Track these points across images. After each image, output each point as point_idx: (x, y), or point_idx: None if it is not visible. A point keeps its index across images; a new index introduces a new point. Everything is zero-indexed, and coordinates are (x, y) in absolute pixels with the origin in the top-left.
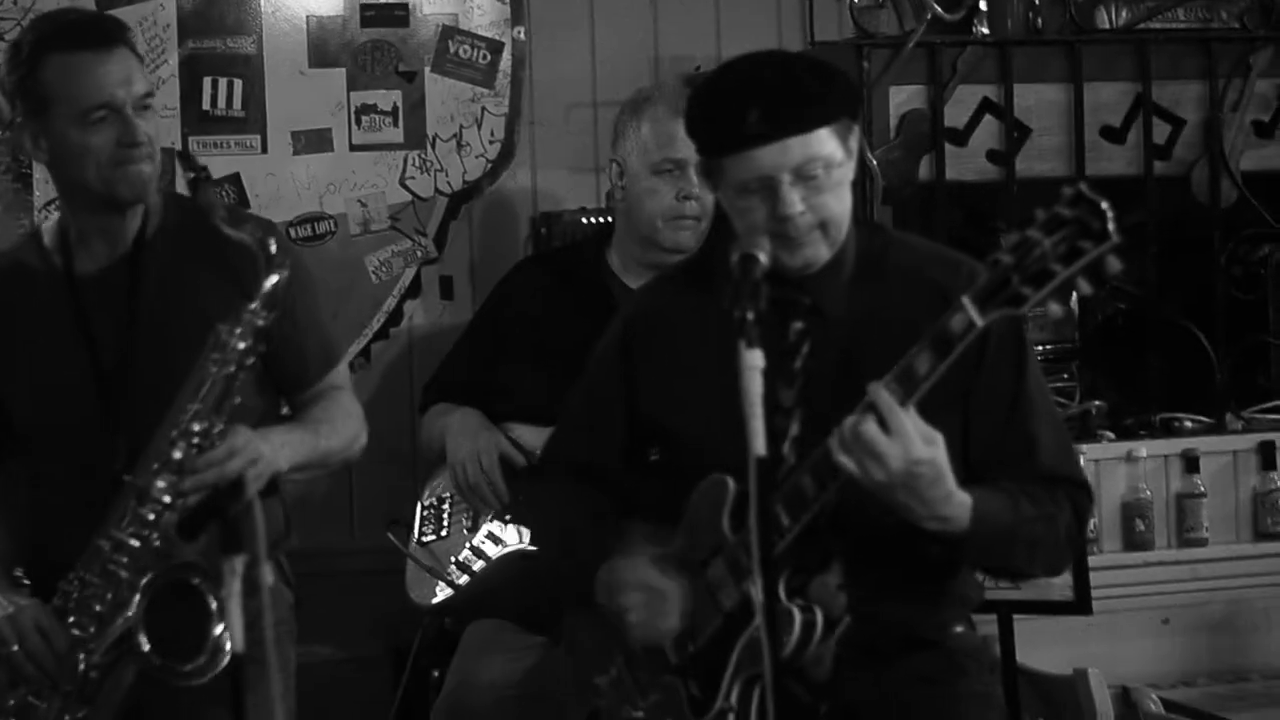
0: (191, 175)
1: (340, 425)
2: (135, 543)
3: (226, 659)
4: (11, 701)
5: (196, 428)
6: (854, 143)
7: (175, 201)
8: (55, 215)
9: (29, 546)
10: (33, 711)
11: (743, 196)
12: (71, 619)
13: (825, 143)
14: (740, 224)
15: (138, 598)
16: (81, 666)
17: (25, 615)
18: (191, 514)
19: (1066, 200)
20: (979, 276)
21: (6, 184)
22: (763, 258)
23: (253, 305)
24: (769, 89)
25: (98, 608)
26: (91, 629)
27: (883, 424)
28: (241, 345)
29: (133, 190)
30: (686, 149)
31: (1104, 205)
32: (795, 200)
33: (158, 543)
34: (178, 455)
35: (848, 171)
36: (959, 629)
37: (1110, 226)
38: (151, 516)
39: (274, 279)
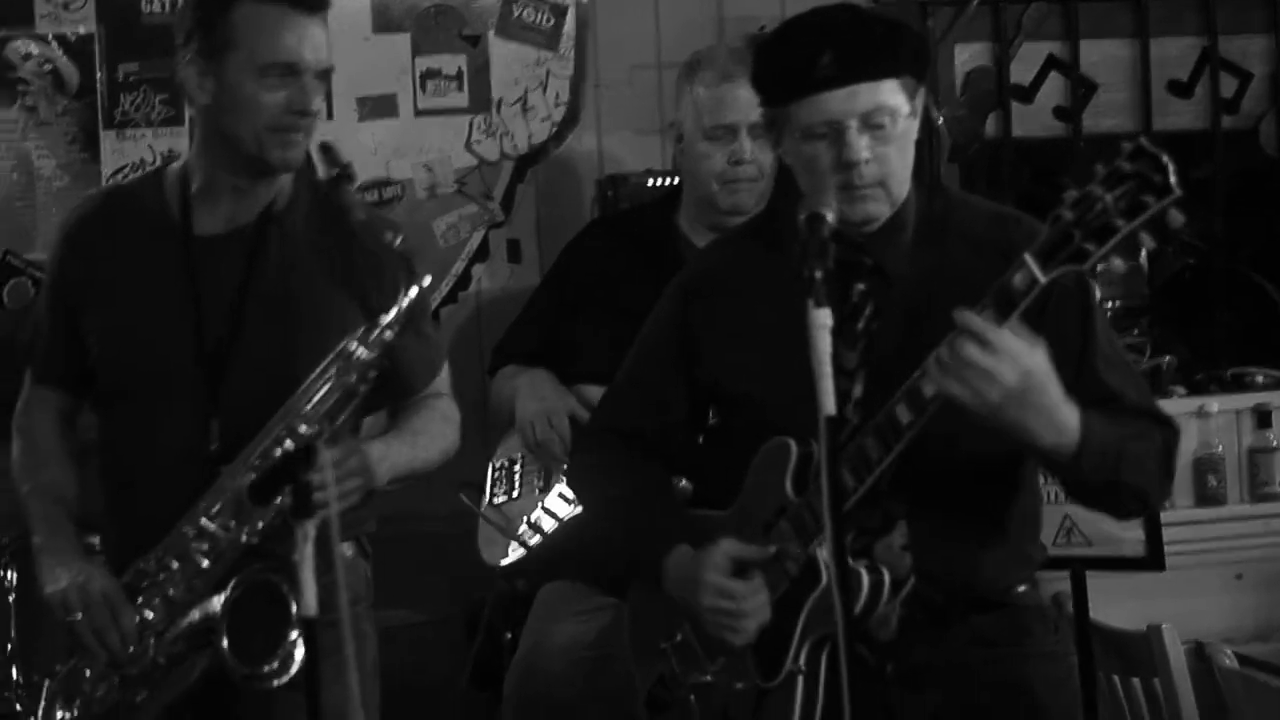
0: (334, 171)
1: (437, 435)
2: (222, 534)
3: (296, 667)
4: (58, 667)
5: (304, 430)
6: (919, 102)
7: (307, 183)
8: (178, 162)
9: (106, 516)
10: (79, 681)
11: (809, 143)
12: (141, 599)
13: (893, 94)
14: (804, 175)
15: (225, 594)
16: (150, 651)
17: (94, 585)
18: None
19: (1127, 154)
20: (1037, 232)
21: (74, 154)
22: (829, 216)
23: (386, 319)
24: (842, 35)
25: (171, 592)
26: (162, 613)
27: (982, 345)
28: (368, 357)
29: (285, 159)
30: (736, 113)
31: (1165, 159)
32: (861, 147)
33: (246, 539)
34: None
35: (912, 128)
36: (1022, 589)
37: (1172, 180)
38: (246, 510)
39: (412, 295)
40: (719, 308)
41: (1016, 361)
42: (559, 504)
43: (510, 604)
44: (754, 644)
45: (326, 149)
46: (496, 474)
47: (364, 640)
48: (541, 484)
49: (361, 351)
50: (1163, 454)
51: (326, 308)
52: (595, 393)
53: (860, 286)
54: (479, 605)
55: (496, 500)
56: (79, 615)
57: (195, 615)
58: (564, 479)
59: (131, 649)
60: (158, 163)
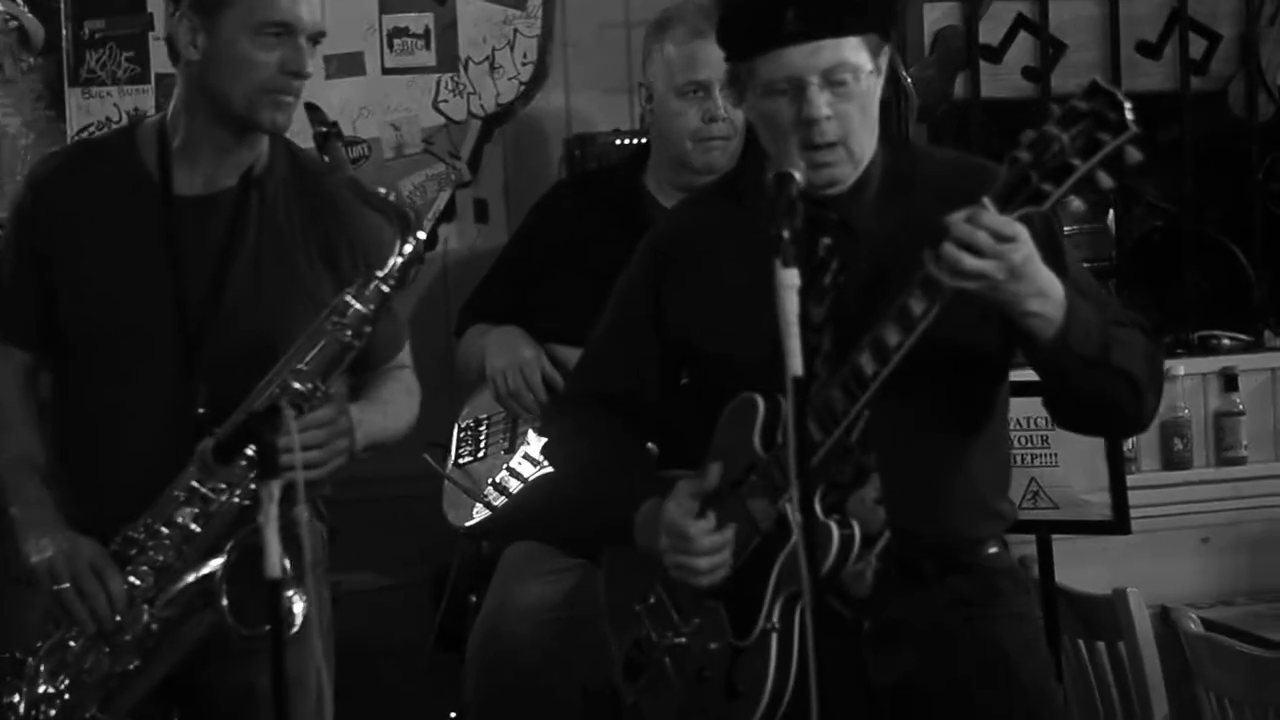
0: (323, 129)
1: (404, 406)
2: (213, 497)
3: (299, 622)
4: (39, 644)
5: (298, 386)
6: (883, 62)
7: (283, 148)
8: (152, 117)
9: (87, 487)
10: (64, 653)
11: (770, 98)
12: (129, 566)
13: (856, 51)
14: (765, 132)
15: (222, 558)
16: (144, 618)
17: (81, 554)
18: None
19: (1082, 93)
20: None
21: (40, 111)
22: (798, 176)
23: (382, 273)
24: None
25: (161, 559)
26: (151, 580)
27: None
28: (365, 310)
29: (275, 120)
30: (709, 70)
31: (1120, 96)
32: (822, 104)
33: (239, 499)
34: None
35: (875, 87)
36: (993, 549)
37: (1129, 117)
38: (237, 473)
39: (409, 248)
40: (688, 268)
41: (999, 229)
42: (524, 465)
43: (475, 566)
44: (727, 602)
45: (313, 108)
46: (462, 435)
47: (321, 604)
48: (507, 445)
49: (357, 305)
50: (1150, 352)
51: (304, 272)
52: (564, 352)
53: (826, 241)
54: (444, 568)
55: (461, 461)
56: (66, 584)
57: (190, 579)
58: (530, 439)
59: (120, 617)
60: (124, 121)
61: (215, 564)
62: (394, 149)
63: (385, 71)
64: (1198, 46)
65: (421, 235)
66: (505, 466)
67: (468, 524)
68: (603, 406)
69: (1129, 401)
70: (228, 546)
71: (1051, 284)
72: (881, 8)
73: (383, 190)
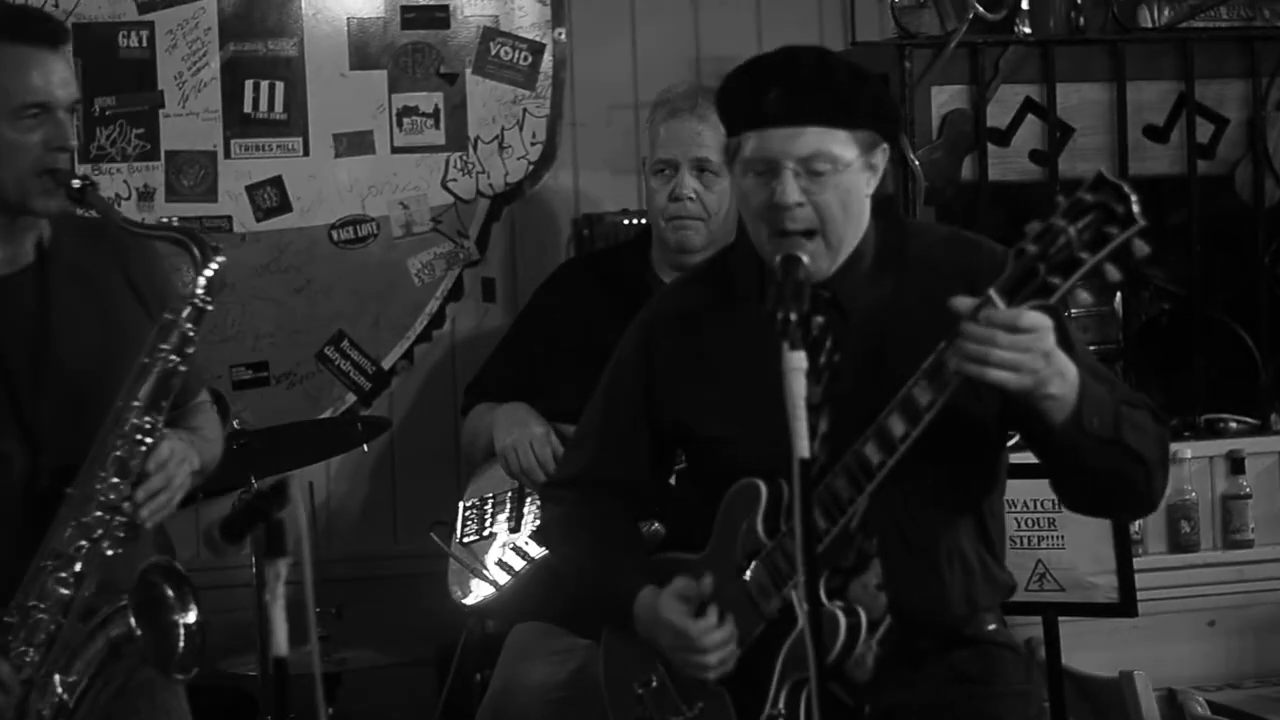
0: (74, 184)
1: (217, 440)
2: (83, 551)
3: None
4: None
5: (136, 422)
6: (878, 159)
7: (62, 214)
8: None
9: None
10: None
11: (746, 177)
12: (22, 648)
13: (842, 144)
14: (743, 209)
15: (127, 618)
16: (58, 689)
17: None
18: (235, 517)
19: (1088, 185)
20: (998, 255)
21: None
22: (805, 259)
23: (198, 290)
24: (798, 75)
25: (43, 635)
26: (41, 654)
27: (998, 329)
28: (188, 331)
29: (47, 206)
30: (678, 149)
31: (1126, 188)
32: (793, 190)
33: (109, 550)
34: (119, 454)
35: (859, 182)
36: (992, 626)
37: (1135, 210)
38: (99, 523)
39: (218, 262)
40: (679, 349)
41: (1016, 321)
42: (529, 544)
43: (482, 644)
44: (732, 688)
45: (52, 173)
46: (467, 513)
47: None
48: (512, 523)
49: (179, 324)
50: (1159, 433)
51: (123, 318)
52: (569, 431)
53: (819, 320)
54: (450, 646)
55: (467, 540)
56: None
57: (92, 648)
58: (534, 517)
59: (15, 693)
60: (133, 198)
61: (116, 625)
62: (403, 227)
63: (394, 150)
64: (1205, 130)
65: (218, 252)
66: (510, 545)
67: (473, 602)
68: (592, 491)
69: (1140, 480)
70: (121, 604)
71: (1066, 364)
72: (878, 106)
73: (165, 219)
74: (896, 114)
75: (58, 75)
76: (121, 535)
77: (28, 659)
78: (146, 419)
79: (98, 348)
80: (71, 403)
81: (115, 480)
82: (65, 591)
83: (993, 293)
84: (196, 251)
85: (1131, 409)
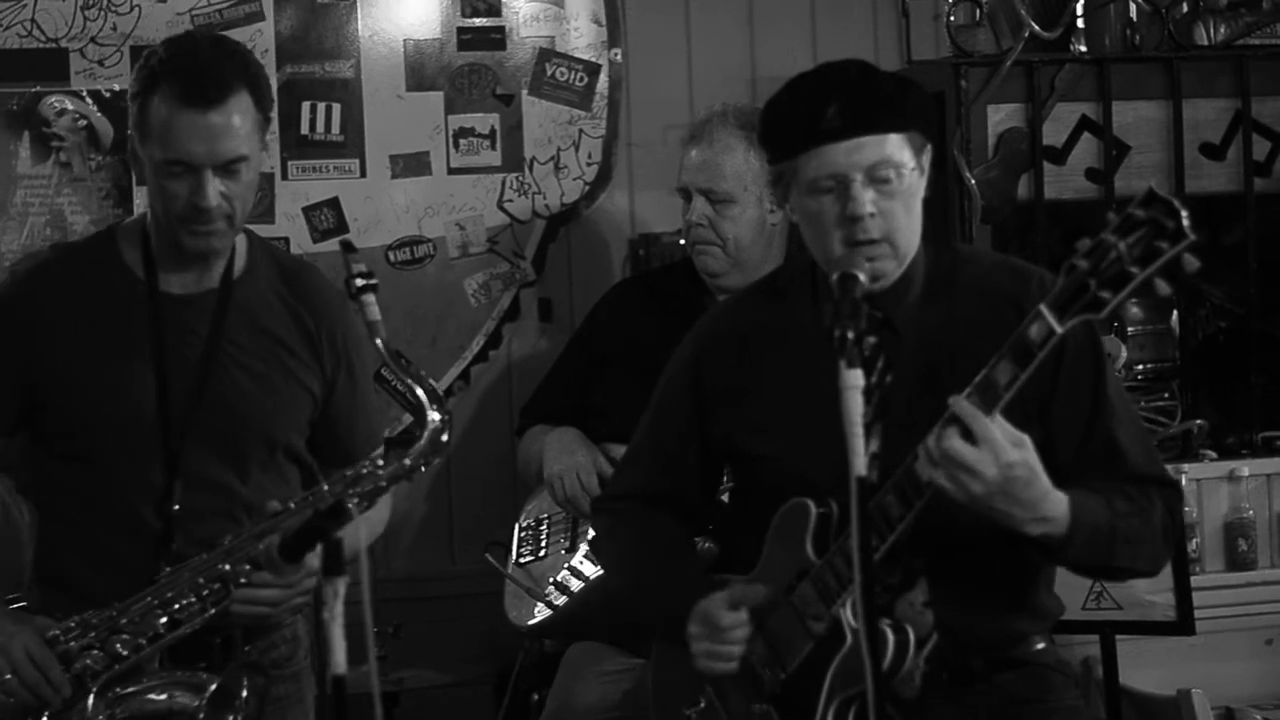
0: (360, 282)
1: (378, 521)
2: (188, 606)
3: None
4: None
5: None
6: (925, 161)
7: (263, 250)
8: (132, 218)
9: (61, 577)
10: None
11: (813, 197)
12: (90, 650)
13: (899, 149)
14: (810, 230)
15: (207, 691)
16: (90, 701)
17: (16, 644)
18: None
19: (1139, 201)
20: (1048, 284)
21: (107, 209)
22: (863, 277)
23: (409, 460)
24: (849, 88)
25: (117, 649)
26: (102, 665)
27: (968, 435)
28: (381, 486)
29: (197, 246)
30: (686, 175)
31: (1177, 204)
32: (866, 201)
33: (208, 611)
34: (262, 549)
35: (918, 185)
36: (1041, 645)
37: (1185, 225)
38: (213, 592)
39: (439, 459)
40: (730, 367)
41: (998, 455)
42: (585, 564)
43: (538, 664)
44: (780, 707)
45: (348, 246)
46: (523, 534)
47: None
48: (568, 544)
49: (379, 476)
50: (1162, 525)
51: (290, 365)
52: (621, 452)
53: (872, 340)
54: (506, 666)
55: (522, 560)
56: (8, 675)
57: (157, 696)
58: (591, 537)
59: (63, 696)
60: None
61: (188, 695)
62: (459, 248)
63: (451, 171)
64: (1261, 148)
65: (447, 428)
66: (566, 565)
67: (529, 623)
68: (644, 504)
69: (1127, 577)
70: (210, 682)
71: (1056, 507)
72: (923, 107)
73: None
74: (936, 112)
75: (206, 135)
76: (216, 604)
77: (88, 661)
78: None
79: (254, 390)
80: (216, 437)
81: (247, 566)
82: (159, 625)
83: (1044, 308)
84: (434, 420)
85: (1134, 518)
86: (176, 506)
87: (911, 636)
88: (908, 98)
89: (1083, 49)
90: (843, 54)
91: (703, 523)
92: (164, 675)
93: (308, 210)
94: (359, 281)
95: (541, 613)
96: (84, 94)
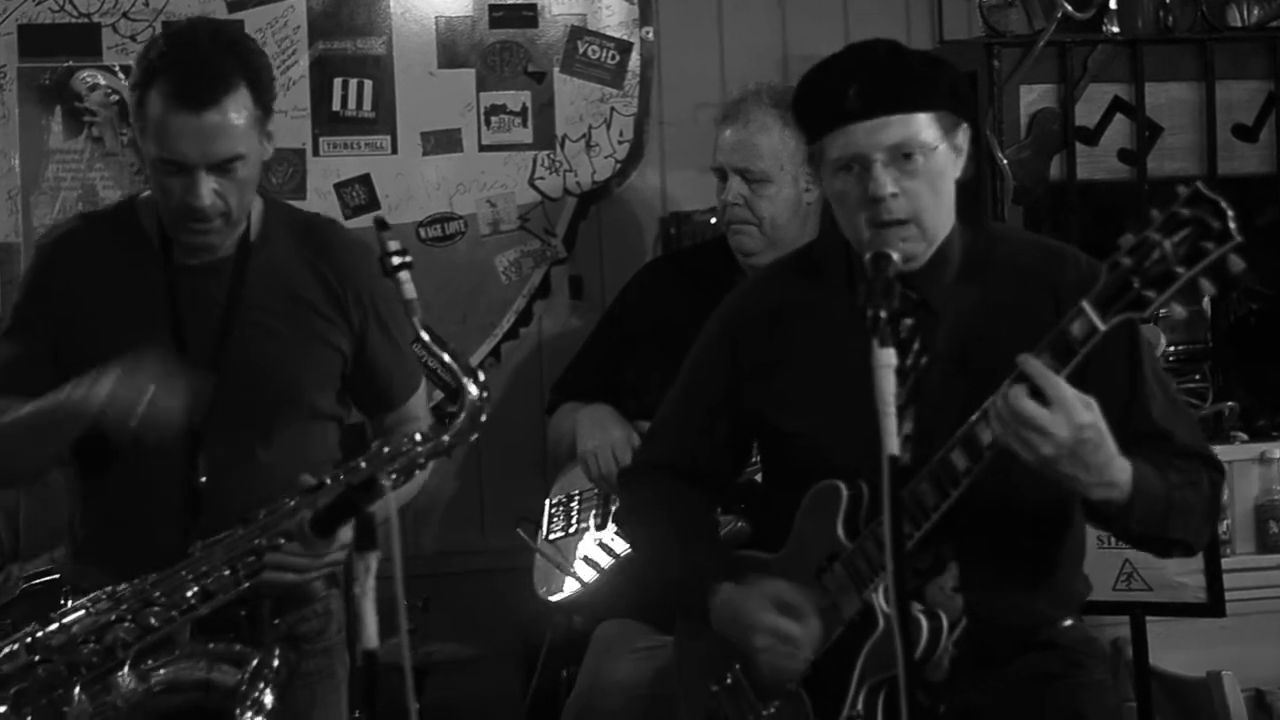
0: (396, 260)
1: (406, 489)
2: (221, 576)
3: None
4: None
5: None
6: (960, 140)
7: (281, 215)
8: (149, 191)
9: (91, 549)
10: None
11: (838, 177)
12: (128, 624)
13: (925, 128)
14: (838, 210)
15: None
16: (128, 677)
17: (144, 366)
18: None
19: (1184, 200)
20: (1083, 265)
21: (139, 184)
22: (896, 256)
23: (446, 438)
24: (873, 68)
25: (150, 621)
26: (134, 635)
27: (1038, 395)
28: (419, 461)
29: (190, 242)
30: (721, 155)
31: (1223, 204)
32: (887, 181)
33: (242, 583)
34: (297, 522)
35: (948, 164)
36: (1068, 623)
37: (1231, 225)
38: (246, 564)
39: (476, 434)
40: (762, 341)
41: (1071, 417)
42: (616, 540)
43: (567, 641)
44: (809, 689)
45: (381, 224)
46: (553, 510)
47: (343, 665)
48: (598, 520)
49: (415, 451)
50: (1209, 500)
51: (315, 323)
52: None
53: (908, 321)
54: (534, 641)
55: (553, 536)
56: (140, 408)
57: (195, 673)
58: None
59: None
60: None
61: (228, 668)
62: (490, 225)
63: (482, 148)
64: None
65: (486, 406)
66: (597, 542)
67: (558, 598)
68: (671, 477)
69: (1178, 550)
70: (250, 656)
71: (1121, 473)
72: (954, 85)
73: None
74: (967, 92)
75: (200, 135)
76: (250, 577)
77: (119, 633)
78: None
79: (278, 354)
80: (239, 406)
81: (281, 540)
82: (191, 597)
83: (1086, 304)
84: (473, 394)
85: (1186, 488)
86: (203, 479)
87: (945, 622)
88: (937, 77)
89: (1115, 30)
90: (874, 33)
91: (728, 497)
92: (198, 647)
93: (339, 186)
94: (395, 260)
95: (571, 588)
96: (116, 69)
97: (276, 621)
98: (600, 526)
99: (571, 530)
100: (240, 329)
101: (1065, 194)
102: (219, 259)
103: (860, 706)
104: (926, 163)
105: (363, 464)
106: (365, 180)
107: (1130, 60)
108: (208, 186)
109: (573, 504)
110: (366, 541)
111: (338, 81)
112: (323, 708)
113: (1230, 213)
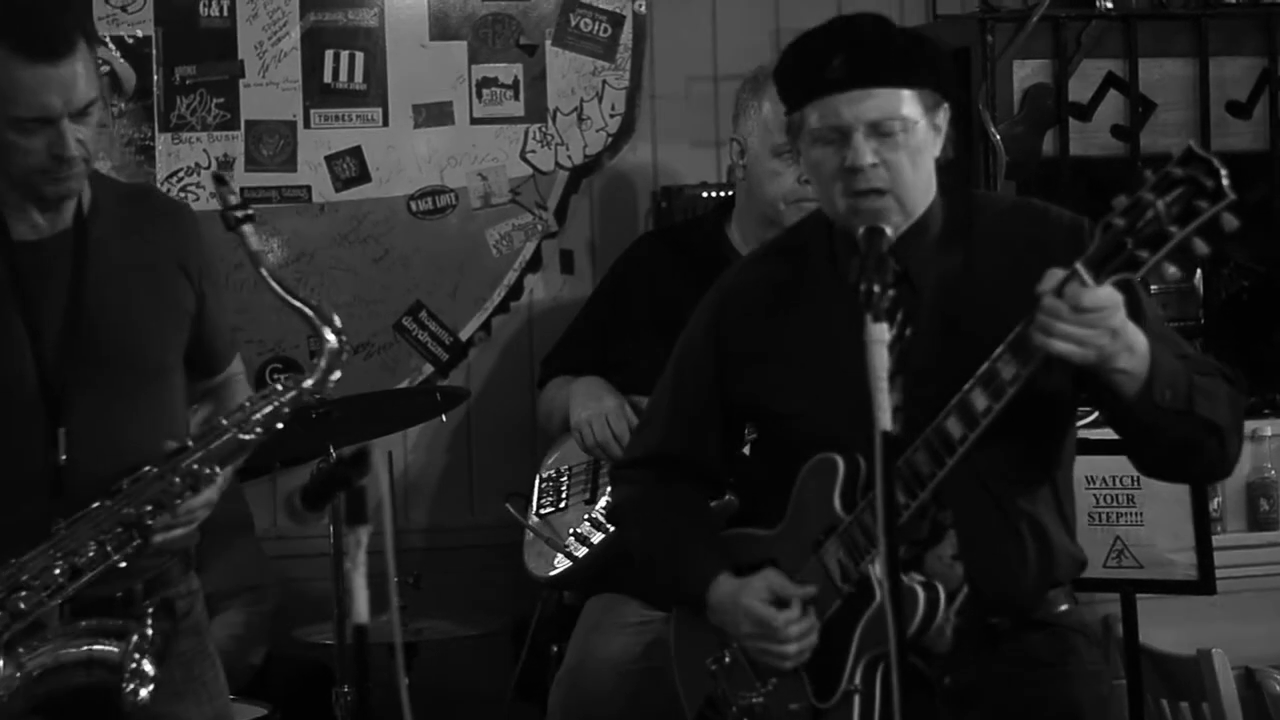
0: (240, 214)
1: None
2: (90, 554)
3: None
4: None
5: (196, 469)
6: (940, 120)
7: (105, 182)
8: None
9: None
10: None
11: (817, 146)
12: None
13: (907, 104)
14: (815, 180)
15: (131, 637)
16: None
17: None
18: (317, 485)
19: (1177, 159)
20: (1066, 221)
21: (130, 156)
22: (889, 230)
23: (310, 383)
24: (858, 40)
25: (20, 606)
26: (5, 622)
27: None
28: (283, 412)
29: (58, 192)
30: (781, 136)
31: (1216, 163)
32: (867, 152)
33: (118, 561)
34: (167, 488)
35: (929, 141)
36: (1064, 607)
37: (1225, 184)
38: (117, 538)
39: (337, 374)
40: (751, 324)
41: (1114, 297)
42: (606, 516)
43: (556, 616)
44: (807, 664)
45: (219, 180)
46: (544, 485)
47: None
48: (589, 495)
49: (280, 397)
50: (1232, 397)
51: (163, 287)
52: (644, 403)
53: (890, 293)
54: (525, 617)
55: (543, 511)
56: None
57: (73, 650)
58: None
59: None
60: (212, 166)
61: (108, 642)
62: (481, 198)
63: (474, 121)
64: None
65: (344, 352)
66: (587, 517)
67: (549, 574)
68: (664, 469)
69: (1213, 448)
70: (132, 629)
71: (1136, 337)
72: (936, 65)
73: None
74: (950, 71)
75: (58, 85)
76: (131, 552)
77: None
78: (207, 470)
79: (132, 311)
80: (100, 368)
81: (149, 508)
82: (59, 576)
83: (1079, 266)
84: (330, 341)
85: (1205, 377)
86: (64, 457)
87: (941, 592)
88: (922, 54)
89: (1109, 5)
90: (868, 8)
91: (721, 485)
92: (71, 628)
93: (330, 159)
94: (238, 214)
95: (561, 564)
96: (107, 40)
97: (147, 602)
98: (590, 501)
99: (562, 506)
100: (91, 300)
101: (1058, 170)
102: (57, 233)
103: (858, 680)
104: (907, 137)
105: (224, 421)
106: (356, 153)
107: (1124, 36)
108: (72, 135)
109: (563, 479)
110: (357, 515)
111: (329, 54)
112: (200, 684)
113: (1223, 171)
